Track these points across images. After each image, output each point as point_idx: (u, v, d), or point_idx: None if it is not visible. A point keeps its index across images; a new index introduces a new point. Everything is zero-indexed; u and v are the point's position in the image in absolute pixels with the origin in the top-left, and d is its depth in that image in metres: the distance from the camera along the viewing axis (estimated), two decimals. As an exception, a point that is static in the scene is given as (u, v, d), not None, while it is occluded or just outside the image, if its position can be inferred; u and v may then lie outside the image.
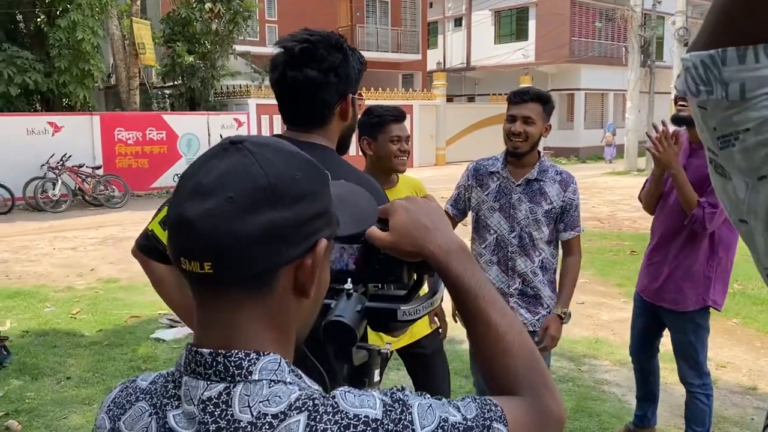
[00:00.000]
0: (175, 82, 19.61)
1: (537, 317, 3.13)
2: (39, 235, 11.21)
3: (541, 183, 3.07)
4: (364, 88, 22.89)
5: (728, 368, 4.81)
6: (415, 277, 1.05)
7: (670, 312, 3.32)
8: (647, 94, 23.49)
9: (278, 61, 1.74)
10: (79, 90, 16.30)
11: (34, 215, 13.60)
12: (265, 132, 19.93)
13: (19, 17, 17.80)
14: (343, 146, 1.89)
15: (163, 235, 1.71)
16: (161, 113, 17.88)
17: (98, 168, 15.29)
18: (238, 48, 20.62)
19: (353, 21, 28.11)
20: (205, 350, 0.77)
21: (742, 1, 0.69)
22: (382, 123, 3.01)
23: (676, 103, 3.17)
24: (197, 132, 17.46)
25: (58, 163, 14.47)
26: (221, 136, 17.04)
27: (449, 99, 26.96)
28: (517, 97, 3.02)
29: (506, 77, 29.77)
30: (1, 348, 5.10)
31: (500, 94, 27.77)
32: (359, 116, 2.86)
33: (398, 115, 3.05)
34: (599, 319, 6.14)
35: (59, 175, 14.39)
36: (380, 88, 23.67)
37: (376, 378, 1.16)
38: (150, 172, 16.65)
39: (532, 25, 30.50)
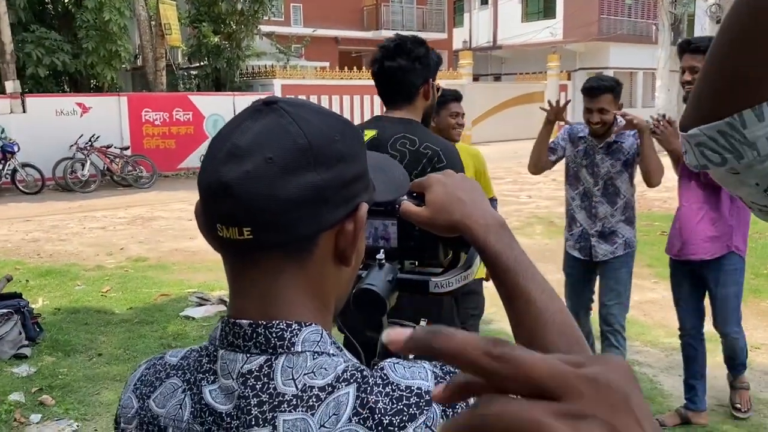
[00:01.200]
0: (201, 63, 19.66)
1: (615, 246, 3.82)
2: (69, 215, 11.36)
3: (619, 142, 3.75)
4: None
5: (762, 350, 4.73)
6: (451, 254, 1.03)
7: (706, 262, 3.59)
8: (677, 72, 23.05)
9: (377, 56, 2.39)
10: (107, 71, 16.42)
11: (63, 195, 13.78)
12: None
13: (47, -2, 17.93)
14: (425, 123, 2.49)
15: None
16: (188, 94, 17.95)
17: (126, 149, 15.42)
18: (263, 28, 20.60)
19: None
20: (243, 321, 0.74)
21: (750, 62, 0.70)
22: (445, 101, 3.74)
23: (683, 87, 3.45)
24: (223, 113, 17.52)
25: (86, 143, 14.61)
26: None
27: (475, 78, 26.71)
28: (591, 92, 3.68)
29: (533, 56, 29.40)
30: (34, 325, 5.18)
31: (527, 73, 27.44)
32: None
33: (458, 95, 3.91)
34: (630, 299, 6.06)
35: (88, 156, 14.54)
36: (405, 68, 23.50)
37: (410, 356, 1.13)
38: (177, 153, 16.77)
39: (560, 2, 30.05)
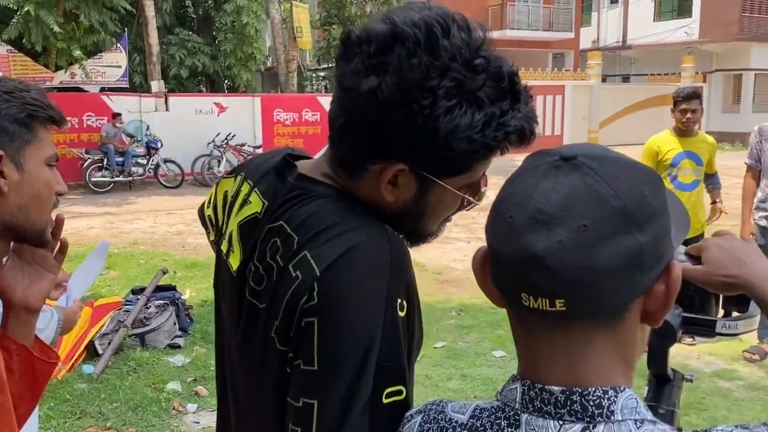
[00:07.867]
0: (329, 65, 20.17)
1: None
2: (207, 210, 11.93)
3: None
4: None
5: None
6: (722, 312, 1.03)
7: None
8: (831, 74, 21.30)
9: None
10: (243, 72, 17.19)
11: (201, 190, 14.52)
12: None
13: (188, 2, 18.98)
14: (404, 227, 1.19)
15: None
16: (316, 95, 18.44)
17: (258, 147, 16.04)
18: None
19: (504, -1, 27.57)
20: (555, 388, 0.72)
21: None
22: (677, 101, 4.78)
23: None
24: (349, 113, 17.88)
25: (222, 141, 15.34)
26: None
27: (603, 79, 25.81)
28: None
29: (666, 56, 28.02)
30: (186, 316, 5.48)
31: (659, 75, 26.24)
32: None
33: (692, 95, 4.82)
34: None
35: (224, 153, 15.26)
36: (530, 68, 23.08)
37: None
38: (305, 152, 17.27)
39: (696, 0, 28.48)
